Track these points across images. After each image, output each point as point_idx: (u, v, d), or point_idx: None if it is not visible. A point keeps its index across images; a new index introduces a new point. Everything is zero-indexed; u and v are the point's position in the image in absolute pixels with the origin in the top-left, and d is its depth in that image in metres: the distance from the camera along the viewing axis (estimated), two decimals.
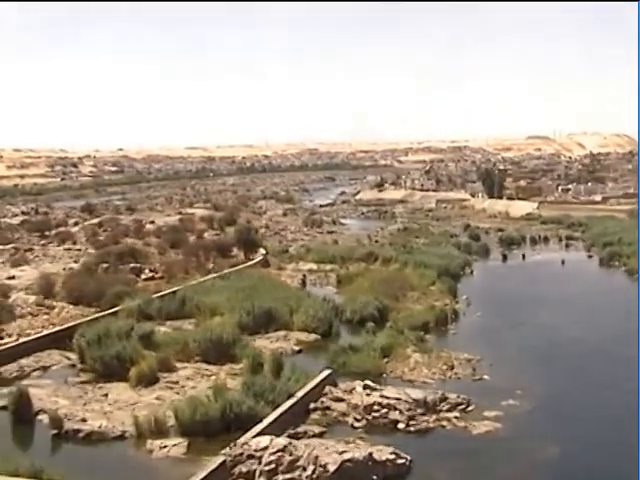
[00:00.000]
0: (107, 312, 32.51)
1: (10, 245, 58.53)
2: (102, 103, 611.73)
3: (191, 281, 40.50)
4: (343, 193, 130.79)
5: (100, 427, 20.56)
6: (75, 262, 50.94)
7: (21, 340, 28.56)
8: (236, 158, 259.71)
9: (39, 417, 21.85)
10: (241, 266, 44.51)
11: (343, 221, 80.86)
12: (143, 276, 43.52)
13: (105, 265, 44.25)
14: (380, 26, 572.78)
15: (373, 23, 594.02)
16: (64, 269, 48.43)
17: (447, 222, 76.22)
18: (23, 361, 27.30)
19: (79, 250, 56.83)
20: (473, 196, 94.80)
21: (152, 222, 68.61)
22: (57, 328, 30.13)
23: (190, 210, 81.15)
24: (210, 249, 49.00)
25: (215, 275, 41.60)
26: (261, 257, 47.80)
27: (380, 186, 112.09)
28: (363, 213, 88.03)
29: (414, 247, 52.55)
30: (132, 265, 44.40)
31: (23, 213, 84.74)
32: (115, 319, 30.94)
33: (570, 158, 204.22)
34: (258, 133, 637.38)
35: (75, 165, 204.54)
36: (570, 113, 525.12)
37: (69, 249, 57.07)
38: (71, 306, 35.97)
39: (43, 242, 58.98)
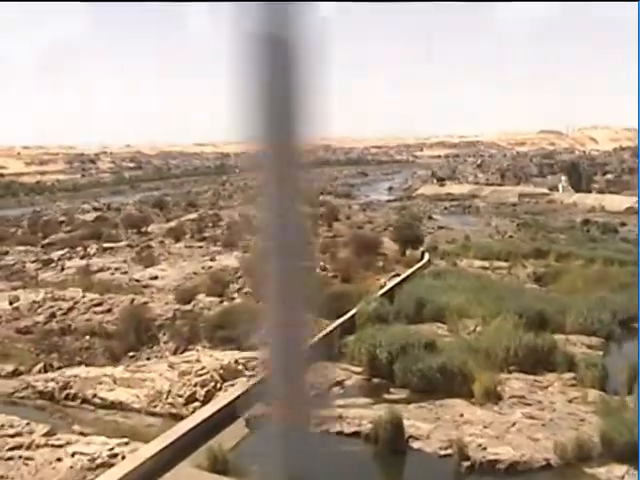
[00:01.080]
0: (344, 318, 29.00)
1: (122, 243, 54.83)
2: (107, 101, 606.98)
3: (371, 281, 37.26)
4: (391, 188, 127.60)
5: (522, 456, 17.16)
6: (211, 260, 47.60)
7: None
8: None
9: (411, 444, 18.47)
10: (420, 264, 41.06)
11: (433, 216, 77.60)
12: None
13: None
14: (376, 22, 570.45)
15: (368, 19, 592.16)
16: (202, 267, 45.33)
17: (549, 216, 73.09)
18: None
19: (200, 247, 53.25)
20: (551, 190, 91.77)
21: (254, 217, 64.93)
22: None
23: None
24: (363, 246, 45.53)
25: (405, 274, 38.21)
26: (427, 254, 44.35)
27: (441, 180, 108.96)
28: (446, 208, 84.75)
29: (580, 241, 49.50)
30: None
31: (95, 209, 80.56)
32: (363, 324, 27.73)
33: (583, 152, 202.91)
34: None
35: (93, 162, 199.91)
36: (578, 107, 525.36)
37: (190, 246, 53.37)
38: None
39: (160, 239, 55.18)
